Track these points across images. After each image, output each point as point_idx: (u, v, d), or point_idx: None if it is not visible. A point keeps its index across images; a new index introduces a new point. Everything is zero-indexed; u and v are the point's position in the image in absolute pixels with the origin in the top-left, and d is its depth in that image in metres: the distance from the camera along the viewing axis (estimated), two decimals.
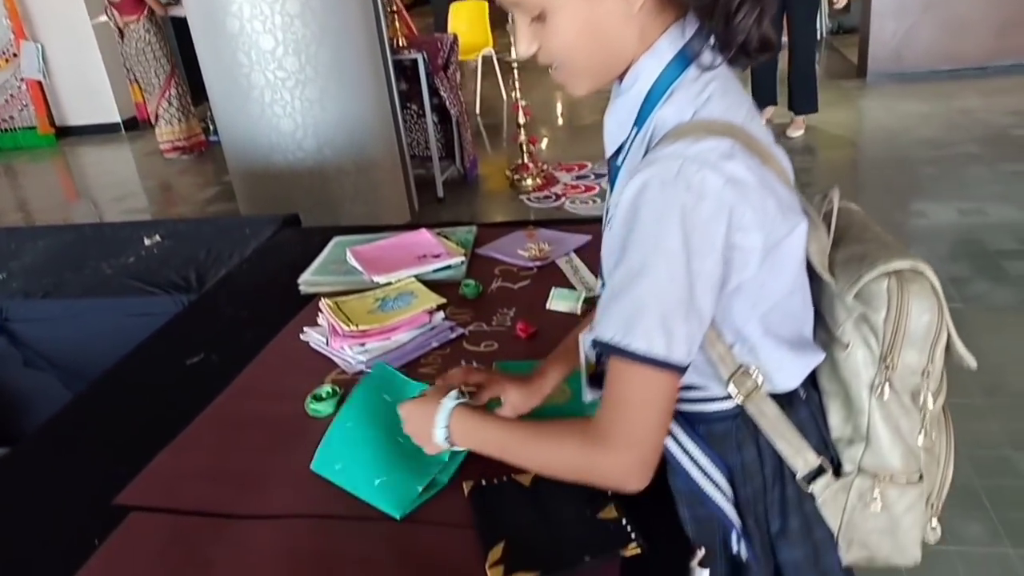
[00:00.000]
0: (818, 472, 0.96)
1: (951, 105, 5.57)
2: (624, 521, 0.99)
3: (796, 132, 5.31)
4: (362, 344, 1.48)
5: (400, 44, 4.54)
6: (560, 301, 1.59)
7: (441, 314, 1.59)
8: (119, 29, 6.45)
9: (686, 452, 0.97)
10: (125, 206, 5.70)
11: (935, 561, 1.99)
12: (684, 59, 0.86)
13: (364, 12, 3.79)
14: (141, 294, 2.12)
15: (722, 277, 0.84)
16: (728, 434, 0.96)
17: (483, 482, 1.10)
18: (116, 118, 7.88)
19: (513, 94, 5.05)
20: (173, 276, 2.19)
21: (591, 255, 1.80)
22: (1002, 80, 6.00)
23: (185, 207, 5.56)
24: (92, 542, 1.08)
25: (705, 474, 0.96)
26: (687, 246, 0.79)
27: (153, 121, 6.77)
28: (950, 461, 1.03)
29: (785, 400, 0.95)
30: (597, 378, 1.11)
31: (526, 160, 5.01)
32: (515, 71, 4.91)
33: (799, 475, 0.96)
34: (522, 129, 4.97)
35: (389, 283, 1.74)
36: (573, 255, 1.82)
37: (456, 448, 1.04)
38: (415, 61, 4.51)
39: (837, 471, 0.98)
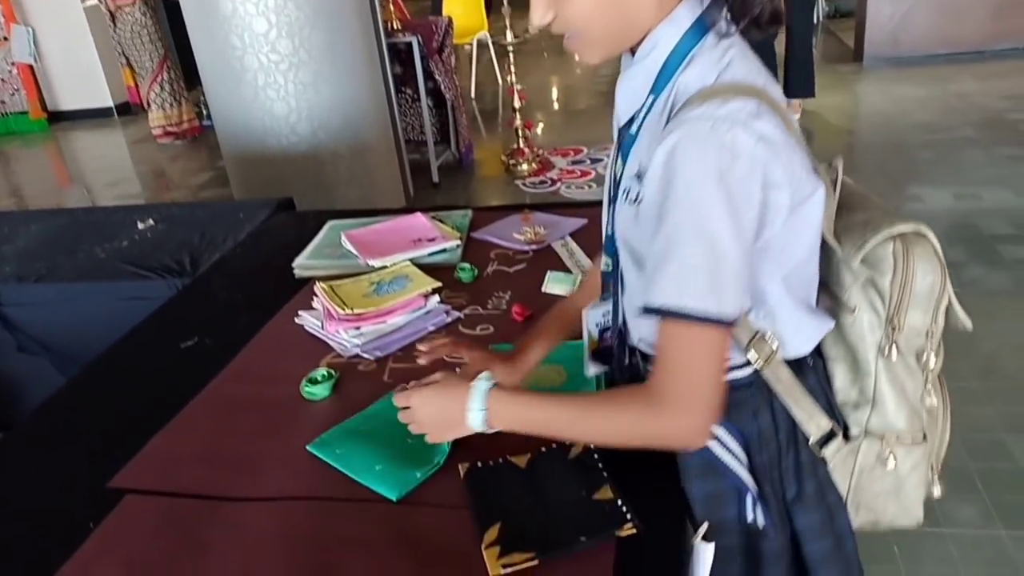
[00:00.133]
0: (829, 436, 0.98)
1: (947, 89, 5.56)
2: (620, 502, 1.00)
3: (793, 116, 5.29)
4: (357, 328, 1.48)
5: (394, 27, 4.50)
6: (556, 284, 1.59)
7: (436, 298, 1.58)
8: (110, 13, 6.40)
9: None
10: (118, 191, 5.67)
11: (928, 543, 2.01)
12: (702, 27, 0.88)
13: None
14: (135, 278, 2.11)
15: (756, 233, 0.85)
16: (745, 402, 0.97)
17: (479, 464, 1.10)
18: (109, 102, 7.82)
19: (508, 78, 5.03)
20: (167, 260, 2.18)
21: (587, 238, 1.80)
22: (999, 64, 5.99)
23: (178, 192, 5.53)
24: (87, 525, 1.08)
25: (721, 443, 0.97)
26: (727, 204, 0.80)
27: (145, 106, 6.72)
28: (947, 422, 1.06)
29: (795, 367, 0.96)
30: (599, 354, 1.12)
31: (522, 145, 4.99)
32: (510, 55, 4.89)
33: (812, 440, 0.98)
34: (517, 113, 4.95)
35: (384, 267, 1.73)
36: (569, 238, 1.82)
37: (492, 430, 0.99)
38: (409, 44, 4.48)
39: (845, 435, 1.00)
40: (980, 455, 2.27)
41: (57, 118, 7.87)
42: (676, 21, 0.88)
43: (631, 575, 0.92)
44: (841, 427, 1.00)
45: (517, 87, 4.93)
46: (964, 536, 2.03)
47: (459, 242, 1.83)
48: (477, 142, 5.61)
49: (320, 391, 1.33)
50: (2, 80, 7.71)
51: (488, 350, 1.20)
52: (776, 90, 0.89)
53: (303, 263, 1.83)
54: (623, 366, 1.08)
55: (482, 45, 7.05)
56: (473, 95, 6.98)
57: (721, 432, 0.97)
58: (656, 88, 0.90)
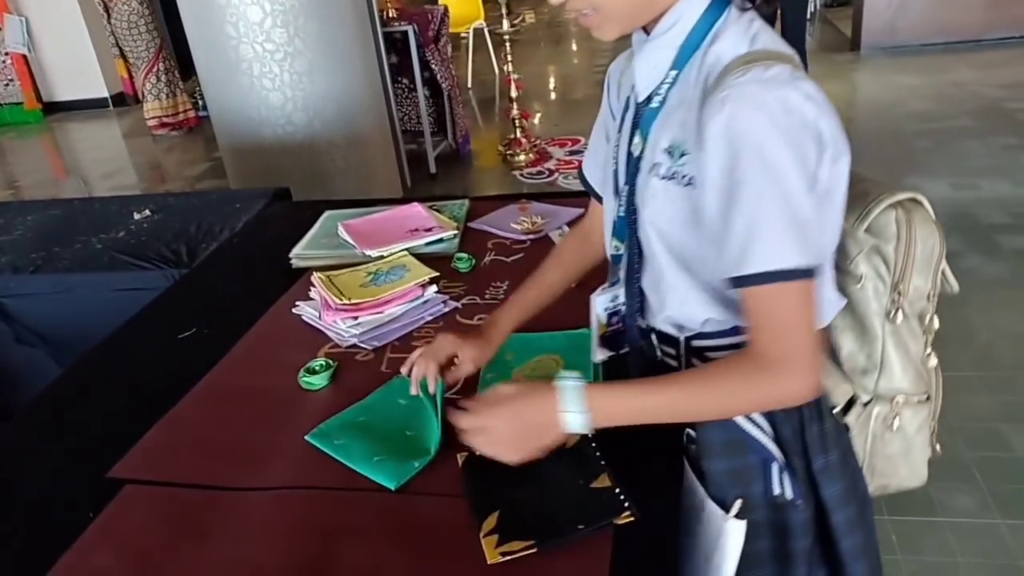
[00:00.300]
0: (849, 403, 1.03)
1: (945, 78, 5.56)
2: (617, 490, 1.00)
3: None
4: (355, 318, 1.48)
5: (390, 16, 4.48)
6: None
7: (434, 288, 1.58)
8: (104, 3, 6.36)
9: None
10: (114, 183, 5.66)
11: (926, 532, 2.02)
12: (723, 1, 0.90)
13: None
14: (132, 268, 2.11)
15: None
16: None
17: (477, 453, 1.09)
18: (104, 93, 7.79)
19: (505, 67, 5.01)
20: (164, 250, 2.18)
21: None
22: (995, 53, 5.98)
23: (175, 184, 5.52)
24: (86, 515, 1.08)
25: (747, 417, 0.98)
26: (796, 160, 0.82)
27: (140, 97, 6.69)
28: (940, 385, 1.10)
29: None
30: (606, 340, 1.12)
31: (519, 135, 4.98)
32: (507, 44, 4.86)
33: (838, 407, 1.02)
34: (514, 103, 4.94)
35: (381, 257, 1.73)
36: (566, 228, 1.81)
37: (591, 431, 0.94)
38: (405, 34, 4.47)
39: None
40: (977, 444, 2.28)
41: (52, 109, 7.84)
42: None
43: (629, 563, 0.92)
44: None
45: (514, 76, 4.91)
46: (961, 525, 2.04)
47: (456, 232, 1.83)
48: (474, 132, 5.60)
49: (318, 381, 1.33)
50: None
51: (448, 332, 1.19)
52: (797, 58, 0.91)
53: (300, 253, 1.82)
54: (638, 349, 1.08)
55: (478, 34, 7.02)
56: (470, 85, 6.96)
57: None
58: (678, 63, 0.92)
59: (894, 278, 0.99)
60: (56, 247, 2.28)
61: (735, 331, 0.98)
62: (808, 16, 6.09)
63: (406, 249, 1.75)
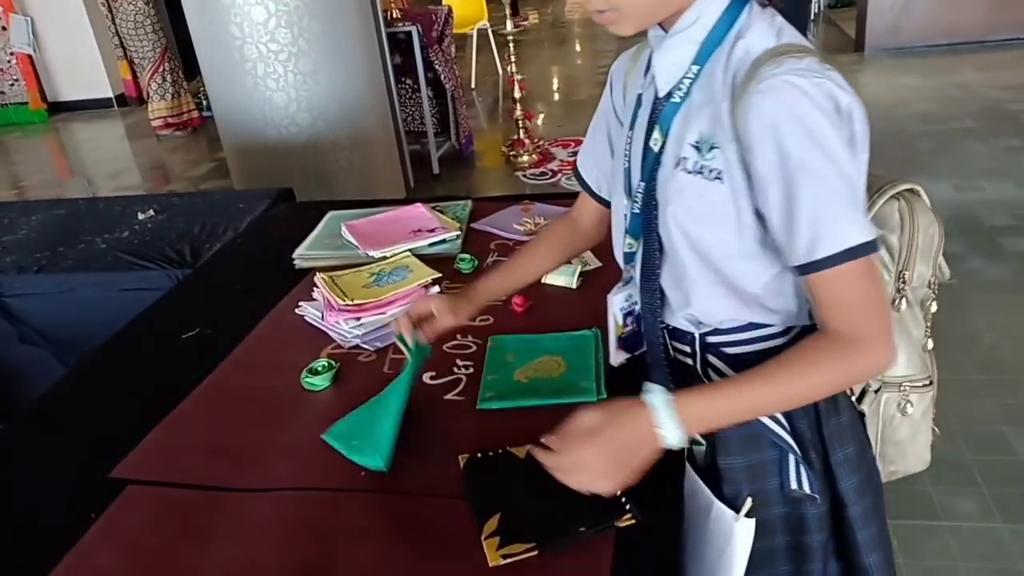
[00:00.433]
0: (863, 392, 1.06)
1: (948, 79, 5.55)
2: (619, 492, 1.00)
3: None
4: (357, 318, 1.48)
5: (394, 16, 4.49)
6: (556, 275, 1.59)
7: (436, 288, 1.58)
8: (107, 4, 6.37)
9: None
10: (118, 183, 5.67)
11: (927, 536, 2.01)
12: None
13: None
14: (135, 268, 2.11)
15: None
16: None
17: (478, 455, 1.10)
18: (108, 93, 7.81)
19: (509, 68, 5.01)
20: (167, 250, 2.19)
21: None
22: (999, 54, 5.97)
23: (178, 184, 5.52)
24: (89, 515, 1.09)
25: None
26: (843, 141, 0.84)
27: (146, 97, 6.70)
28: (935, 371, 1.13)
29: None
30: (623, 341, 1.11)
31: (522, 136, 4.98)
32: (511, 45, 4.86)
33: (855, 395, 1.05)
34: (518, 104, 4.94)
35: (384, 257, 1.73)
36: None
37: (686, 442, 0.92)
38: (409, 34, 4.46)
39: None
40: (979, 448, 2.27)
41: (57, 109, 7.85)
42: None
43: (630, 565, 0.93)
44: None
45: (517, 77, 4.92)
46: (963, 529, 2.03)
47: (459, 233, 1.83)
48: (477, 133, 5.60)
49: (320, 382, 1.33)
50: (1, 70, 7.69)
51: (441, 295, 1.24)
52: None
53: (303, 254, 1.83)
54: (658, 348, 1.07)
55: (482, 35, 7.03)
56: (473, 85, 6.96)
57: None
58: (700, 58, 0.92)
59: (899, 266, 1.02)
60: (60, 247, 2.29)
61: (751, 327, 0.98)
62: (811, 16, 6.08)
63: (409, 250, 1.75)
